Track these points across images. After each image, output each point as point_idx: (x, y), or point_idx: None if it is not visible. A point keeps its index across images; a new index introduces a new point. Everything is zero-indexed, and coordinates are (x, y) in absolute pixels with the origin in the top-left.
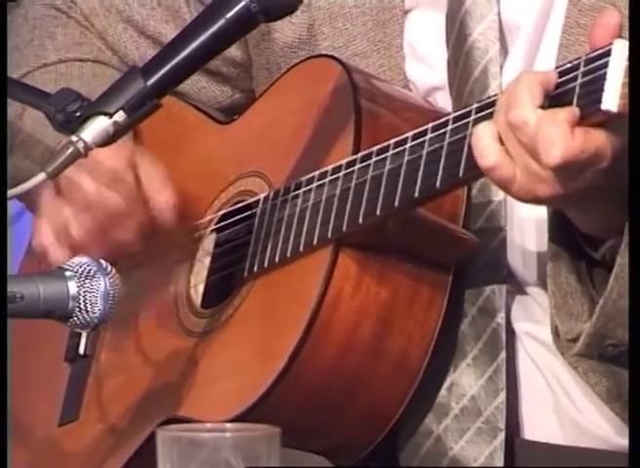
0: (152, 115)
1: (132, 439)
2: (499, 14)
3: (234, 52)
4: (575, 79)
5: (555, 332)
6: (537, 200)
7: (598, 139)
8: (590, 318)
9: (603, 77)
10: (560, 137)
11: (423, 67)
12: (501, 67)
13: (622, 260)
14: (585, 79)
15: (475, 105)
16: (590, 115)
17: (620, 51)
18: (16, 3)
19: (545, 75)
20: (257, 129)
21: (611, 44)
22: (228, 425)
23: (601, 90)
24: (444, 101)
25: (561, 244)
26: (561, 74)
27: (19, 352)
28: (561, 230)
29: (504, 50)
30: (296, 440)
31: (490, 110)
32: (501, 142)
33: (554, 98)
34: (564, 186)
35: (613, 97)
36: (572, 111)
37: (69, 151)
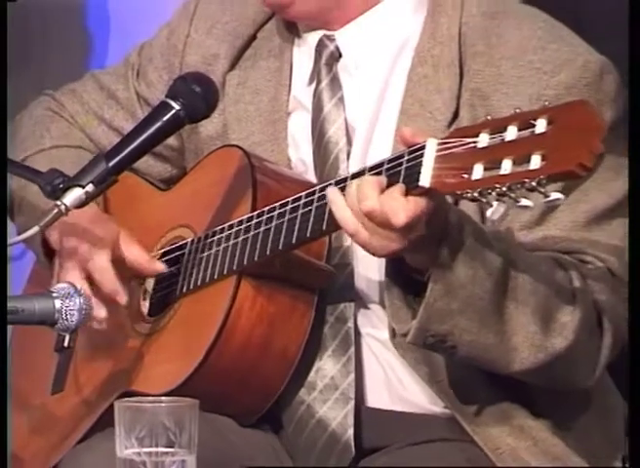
0: (113, 186)
1: (98, 407)
2: (345, 118)
3: (172, 141)
4: (401, 165)
5: (392, 334)
6: (391, 253)
7: (422, 202)
8: (413, 322)
9: (420, 163)
10: (401, 206)
11: (299, 153)
12: (348, 154)
13: (435, 277)
14: (409, 164)
15: (333, 181)
16: (413, 189)
17: (432, 146)
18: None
19: (379, 178)
20: (186, 194)
21: (425, 141)
22: (163, 398)
23: (419, 172)
24: (312, 178)
25: (393, 275)
26: (391, 161)
27: (22, 346)
28: (394, 266)
29: (349, 142)
30: (211, 408)
31: (343, 185)
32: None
33: (388, 179)
34: (407, 239)
35: (427, 177)
36: (401, 187)
37: (55, 211)
